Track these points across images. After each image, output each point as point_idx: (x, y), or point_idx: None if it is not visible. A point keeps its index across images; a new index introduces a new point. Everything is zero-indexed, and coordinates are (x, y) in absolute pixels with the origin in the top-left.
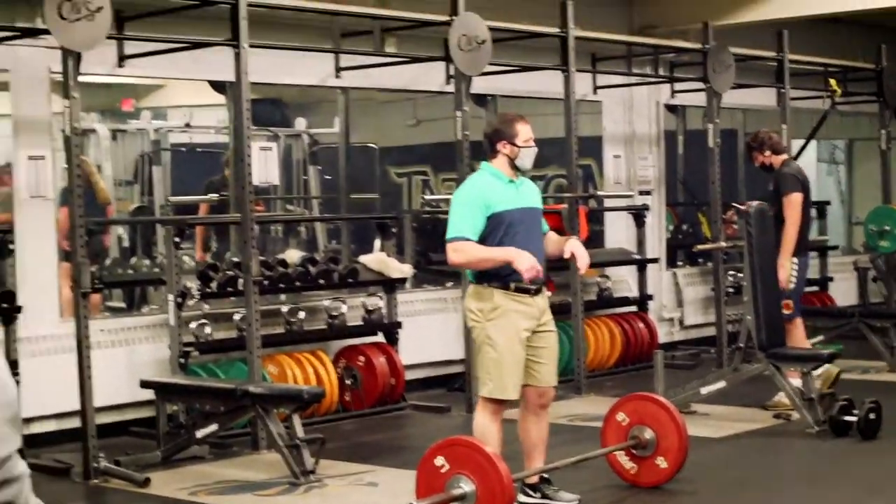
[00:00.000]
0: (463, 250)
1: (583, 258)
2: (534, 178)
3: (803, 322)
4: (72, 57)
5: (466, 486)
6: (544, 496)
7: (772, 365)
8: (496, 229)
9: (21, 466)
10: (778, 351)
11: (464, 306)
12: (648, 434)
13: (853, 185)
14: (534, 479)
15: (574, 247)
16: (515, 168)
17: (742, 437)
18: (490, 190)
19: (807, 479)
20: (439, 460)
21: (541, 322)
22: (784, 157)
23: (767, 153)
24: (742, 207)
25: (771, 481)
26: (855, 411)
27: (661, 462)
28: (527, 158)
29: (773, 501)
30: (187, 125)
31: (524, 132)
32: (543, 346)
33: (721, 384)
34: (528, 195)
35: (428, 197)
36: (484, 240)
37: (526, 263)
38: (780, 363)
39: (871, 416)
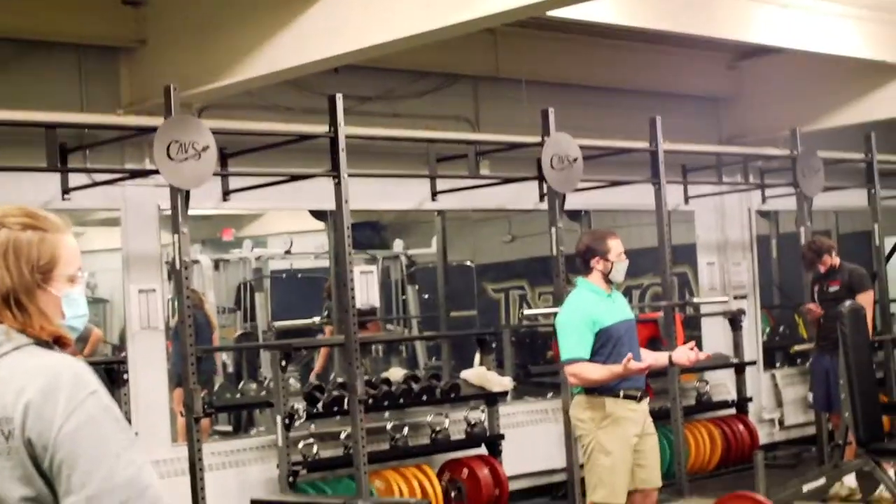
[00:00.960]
0: (581, 374)
1: (683, 357)
2: (630, 288)
3: None
4: (180, 194)
5: None
6: None
7: (871, 460)
8: (605, 344)
9: None
10: (877, 446)
11: (572, 416)
12: None
13: None
14: None
15: (676, 357)
16: (609, 282)
17: None
18: (593, 306)
19: None
20: None
21: (644, 426)
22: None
23: (833, 255)
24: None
25: None
26: None
27: None
28: (620, 272)
29: None
30: (287, 252)
31: (615, 247)
32: (646, 449)
33: (822, 481)
34: (623, 307)
35: (526, 312)
36: (593, 355)
37: (637, 366)
38: (879, 457)
39: None
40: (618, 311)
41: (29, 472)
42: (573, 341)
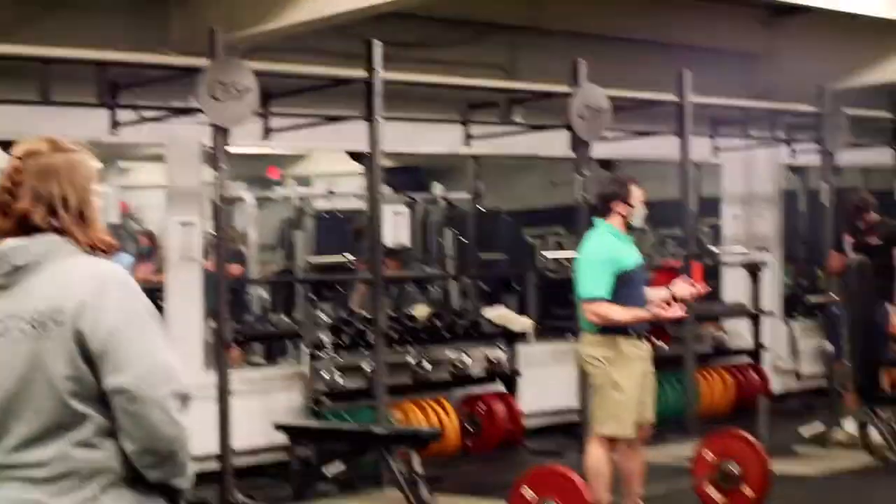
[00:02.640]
0: (601, 313)
1: (682, 290)
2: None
3: None
4: (221, 132)
5: None
6: None
7: (868, 408)
8: (624, 286)
9: None
10: (876, 394)
11: (582, 353)
12: (734, 467)
13: None
14: None
15: (676, 290)
16: (628, 226)
17: (841, 475)
18: (616, 248)
19: None
20: (526, 491)
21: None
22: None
23: (871, 212)
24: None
25: None
26: None
27: (748, 491)
28: (639, 217)
29: None
30: (329, 192)
31: (637, 193)
32: (647, 386)
33: (820, 427)
34: (636, 251)
35: (547, 255)
36: (610, 295)
37: (664, 314)
38: (875, 406)
39: None
40: (634, 254)
41: (73, 355)
42: (595, 280)
